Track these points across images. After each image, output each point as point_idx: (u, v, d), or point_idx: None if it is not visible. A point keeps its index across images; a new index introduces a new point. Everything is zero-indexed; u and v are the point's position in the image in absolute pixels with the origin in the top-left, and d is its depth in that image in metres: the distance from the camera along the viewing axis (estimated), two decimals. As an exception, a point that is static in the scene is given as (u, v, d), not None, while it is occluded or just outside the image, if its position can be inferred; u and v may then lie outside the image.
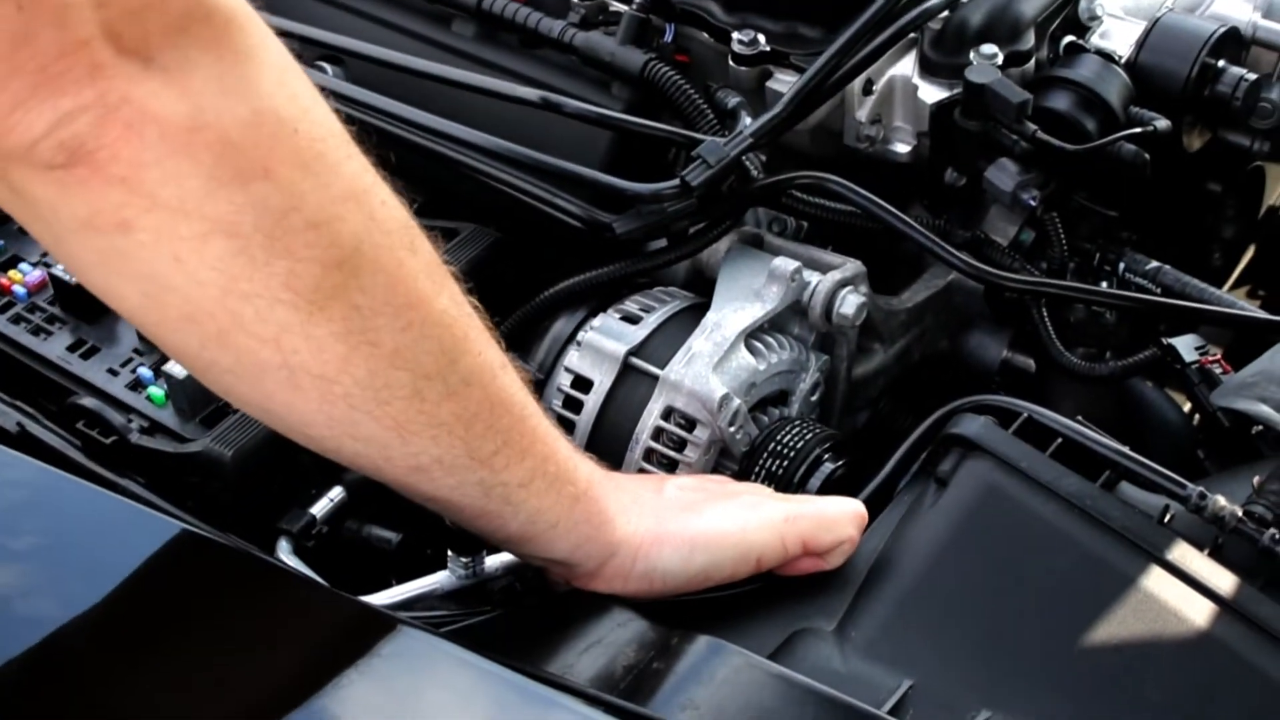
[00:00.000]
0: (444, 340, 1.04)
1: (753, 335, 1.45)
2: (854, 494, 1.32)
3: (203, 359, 0.99)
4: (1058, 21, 1.71)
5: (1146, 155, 1.57)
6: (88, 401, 1.35)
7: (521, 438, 1.09)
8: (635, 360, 1.44)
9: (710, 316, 1.45)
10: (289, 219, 0.93)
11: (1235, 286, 2.10)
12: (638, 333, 1.46)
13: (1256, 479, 1.23)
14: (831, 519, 1.24)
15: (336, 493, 1.35)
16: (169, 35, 0.89)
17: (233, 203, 0.91)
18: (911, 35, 1.63)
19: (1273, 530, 1.16)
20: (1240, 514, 1.17)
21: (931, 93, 1.63)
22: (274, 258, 0.93)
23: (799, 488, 1.39)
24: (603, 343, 1.45)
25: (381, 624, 1.01)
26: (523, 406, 1.10)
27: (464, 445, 1.06)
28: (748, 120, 1.55)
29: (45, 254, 1.49)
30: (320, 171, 0.96)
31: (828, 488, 1.38)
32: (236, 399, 1.05)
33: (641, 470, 1.41)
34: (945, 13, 1.64)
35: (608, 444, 1.43)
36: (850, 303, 1.49)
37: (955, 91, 1.60)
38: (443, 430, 1.04)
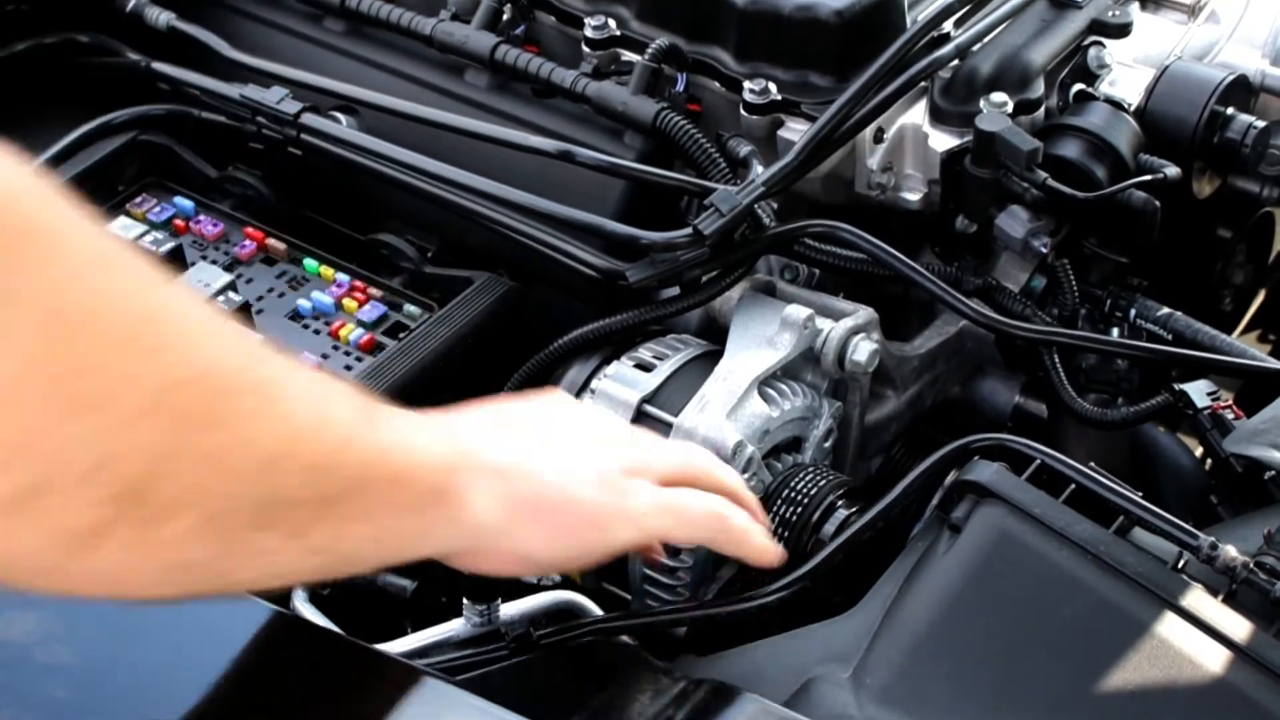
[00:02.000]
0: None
1: (766, 382, 1.45)
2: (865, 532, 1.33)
3: None
4: (1067, 70, 1.73)
5: (1157, 202, 1.58)
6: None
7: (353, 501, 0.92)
8: (649, 408, 1.44)
9: (723, 364, 1.46)
10: None
11: (1246, 331, 2.10)
12: (651, 380, 1.46)
13: (1267, 530, 1.23)
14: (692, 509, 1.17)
15: (352, 541, 1.35)
16: None
17: None
18: (922, 84, 1.64)
19: (1285, 580, 1.16)
20: (1251, 564, 1.17)
21: (942, 141, 1.64)
22: None
23: (813, 534, 1.39)
24: (616, 390, 1.46)
25: (400, 672, 1.01)
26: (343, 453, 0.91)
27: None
28: (759, 169, 1.56)
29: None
30: None
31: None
32: None
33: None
34: (955, 61, 1.65)
35: (622, 491, 1.43)
36: (863, 350, 1.49)
37: (966, 139, 1.61)
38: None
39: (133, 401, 0.76)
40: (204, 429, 0.79)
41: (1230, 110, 1.69)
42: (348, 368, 1.51)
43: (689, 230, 1.47)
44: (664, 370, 1.48)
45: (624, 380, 1.47)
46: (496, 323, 1.59)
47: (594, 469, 1.11)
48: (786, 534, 1.39)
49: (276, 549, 0.87)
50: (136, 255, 0.81)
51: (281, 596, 1.30)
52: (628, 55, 1.68)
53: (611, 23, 1.68)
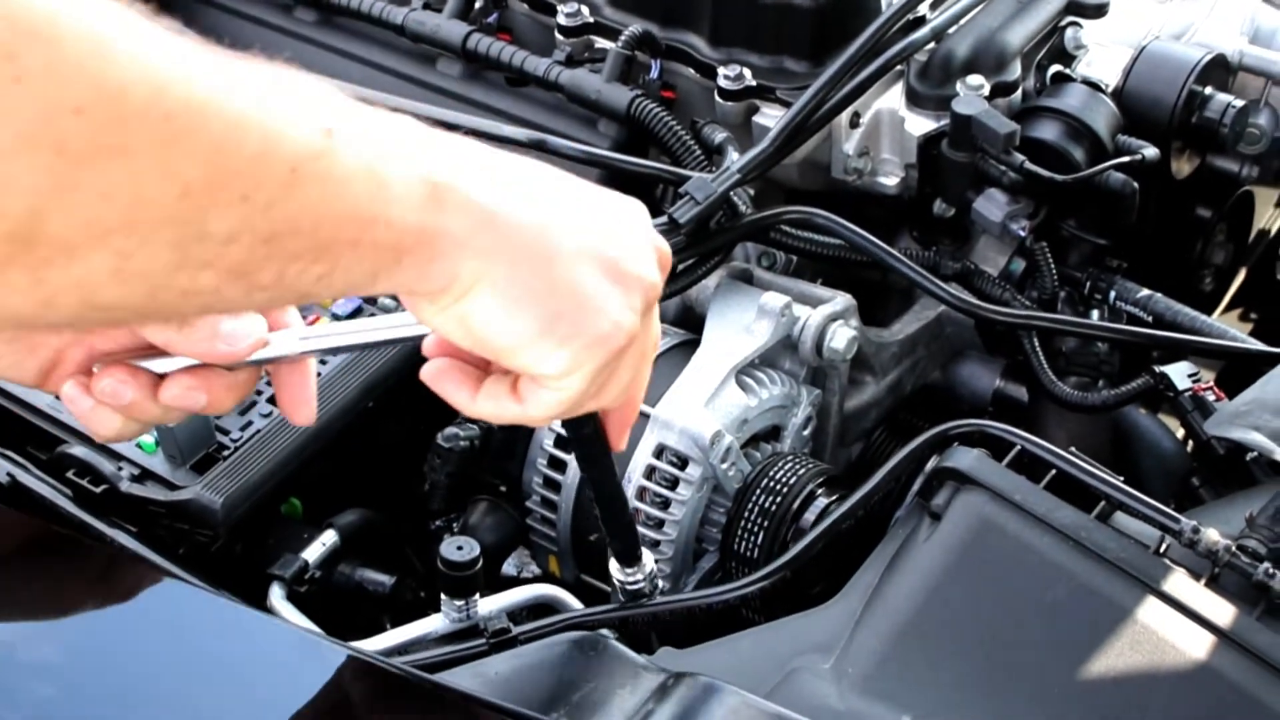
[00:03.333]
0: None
1: (744, 371, 1.45)
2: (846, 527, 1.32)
3: None
4: (1044, 51, 1.72)
5: (1135, 184, 1.58)
6: (78, 450, 1.34)
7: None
8: (626, 398, 1.43)
9: (700, 353, 1.45)
10: None
11: (1227, 310, 2.10)
12: (628, 370, 1.45)
13: (1249, 513, 1.22)
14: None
15: (329, 537, 1.34)
16: None
17: None
18: (898, 67, 1.63)
19: (1266, 564, 1.15)
20: (1234, 548, 1.16)
21: (919, 124, 1.64)
22: None
23: (793, 523, 1.38)
24: (594, 381, 1.44)
25: (378, 670, 1.00)
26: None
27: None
28: (735, 155, 1.55)
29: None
30: None
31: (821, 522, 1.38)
32: None
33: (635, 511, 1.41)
34: (931, 44, 1.64)
35: (600, 483, 1.42)
36: (841, 337, 1.48)
37: (942, 123, 1.60)
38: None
39: (3, 136, 0.68)
40: (97, 161, 0.71)
41: (1208, 90, 1.69)
42: (323, 362, 1.50)
43: (664, 219, 1.46)
44: (641, 360, 1.46)
45: (601, 371, 1.45)
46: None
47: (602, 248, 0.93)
48: (766, 523, 1.38)
49: (211, 289, 0.78)
50: None
51: (259, 594, 1.29)
52: (601, 42, 1.67)
53: (584, 10, 1.67)
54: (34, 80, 0.68)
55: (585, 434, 1.03)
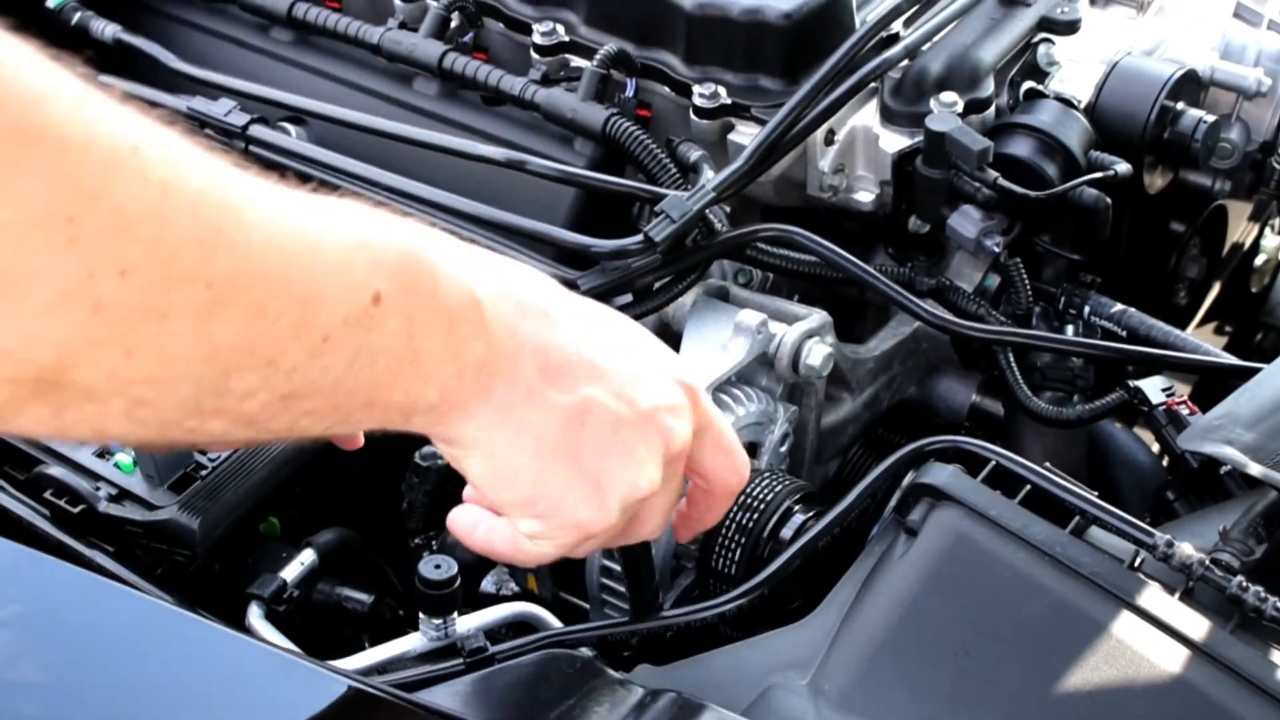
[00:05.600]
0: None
1: (720, 388, 1.45)
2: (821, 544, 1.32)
3: None
4: (1017, 67, 1.73)
5: (1108, 199, 1.58)
6: (55, 470, 1.34)
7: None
8: (604, 416, 1.44)
9: (678, 370, 1.45)
10: None
11: (1202, 324, 2.11)
12: (606, 388, 1.46)
13: (1223, 526, 1.23)
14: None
15: (308, 556, 1.35)
16: None
17: None
18: (872, 85, 1.64)
19: (1240, 578, 1.16)
20: (1208, 562, 1.17)
21: (893, 141, 1.64)
22: None
23: (771, 540, 1.38)
24: (571, 399, 1.45)
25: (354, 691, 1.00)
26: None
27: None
28: (710, 173, 1.56)
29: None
30: None
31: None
32: None
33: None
34: (905, 61, 1.65)
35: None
36: (817, 353, 1.49)
37: (916, 140, 1.61)
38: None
39: (45, 293, 0.67)
40: (133, 322, 0.70)
41: (1180, 105, 1.70)
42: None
43: (640, 237, 1.47)
44: (618, 378, 1.47)
45: (578, 388, 1.46)
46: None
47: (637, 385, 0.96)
48: (744, 540, 1.39)
49: (220, 432, 0.78)
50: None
51: (237, 613, 1.29)
52: (577, 61, 1.68)
53: (560, 29, 1.67)
54: (87, 243, 0.67)
55: None
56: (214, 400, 0.76)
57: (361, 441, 1.07)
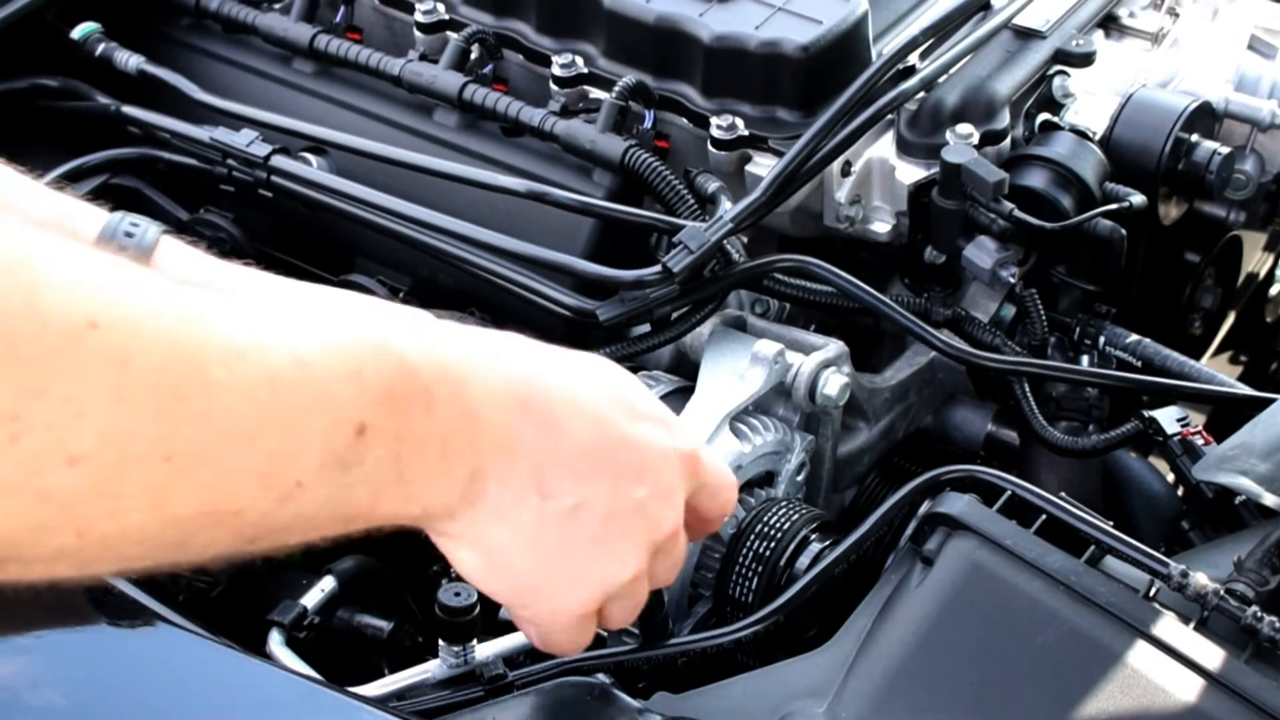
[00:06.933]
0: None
1: (737, 418, 1.46)
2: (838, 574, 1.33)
3: None
4: (1032, 100, 1.74)
5: (1123, 231, 1.59)
6: (78, 498, 1.35)
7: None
8: (622, 445, 1.44)
9: (695, 400, 1.46)
10: None
11: (1216, 353, 2.11)
12: (624, 417, 1.46)
13: (1238, 556, 1.23)
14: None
15: (328, 583, 1.35)
16: None
17: None
18: (888, 117, 1.65)
19: (1254, 608, 1.16)
20: (1222, 592, 1.18)
21: (909, 173, 1.65)
22: None
23: (787, 568, 1.39)
24: (589, 428, 1.46)
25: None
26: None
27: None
28: (728, 204, 1.57)
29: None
30: None
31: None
32: None
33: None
34: (921, 94, 1.66)
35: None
36: (833, 383, 1.50)
37: (932, 171, 1.62)
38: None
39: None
40: (85, 504, 0.67)
41: (1195, 137, 1.71)
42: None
43: (658, 268, 1.48)
44: (636, 407, 1.48)
45: (596, 417, 1.47)
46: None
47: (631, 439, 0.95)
48: (760, 569, 1.39)
49: (175, 566, 0.76)
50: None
51: (258, 640, 1.30)
52: (596, 93, 1.69)
53: (579, 61, 1.69)
54: (32, 438, 0.64)
55: None
56: (172, 553, 0.74)
57: None
